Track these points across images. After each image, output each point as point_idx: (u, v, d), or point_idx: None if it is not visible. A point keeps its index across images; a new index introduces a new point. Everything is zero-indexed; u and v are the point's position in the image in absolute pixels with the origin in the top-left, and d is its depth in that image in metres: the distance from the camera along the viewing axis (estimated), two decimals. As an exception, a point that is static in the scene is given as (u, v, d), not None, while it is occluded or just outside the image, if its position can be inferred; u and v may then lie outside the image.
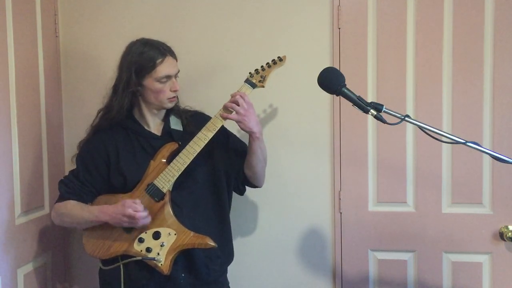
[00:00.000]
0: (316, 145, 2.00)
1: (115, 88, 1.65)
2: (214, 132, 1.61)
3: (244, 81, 1.68)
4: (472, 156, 1.87)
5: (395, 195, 1.95)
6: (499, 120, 1.87)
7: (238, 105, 1.60)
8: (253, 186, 1.81)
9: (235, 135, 1.82)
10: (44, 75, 1.97)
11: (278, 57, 1.70)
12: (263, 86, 1.68)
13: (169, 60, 1.62)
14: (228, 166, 1.74)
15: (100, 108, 1.71)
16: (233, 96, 1.63)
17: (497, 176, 1.87)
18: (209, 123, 1.63)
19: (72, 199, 1.65)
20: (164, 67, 1.60)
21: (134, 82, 1.61)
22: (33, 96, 1.90)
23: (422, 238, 1.93)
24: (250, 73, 1.69)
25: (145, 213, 1.54)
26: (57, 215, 1.68)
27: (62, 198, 1.67)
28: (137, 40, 1.67)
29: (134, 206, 1.52)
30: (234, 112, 1.62)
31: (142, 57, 1.60)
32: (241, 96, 1.62)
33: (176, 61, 1.67)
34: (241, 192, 1.83)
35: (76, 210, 1.62)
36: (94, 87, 2.07)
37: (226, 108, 1.63)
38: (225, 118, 1.61)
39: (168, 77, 1.62)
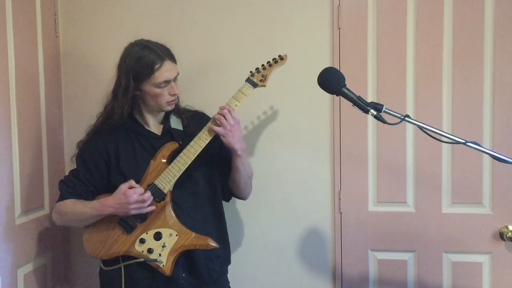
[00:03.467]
0: (316, 145, 2.00)
1: (115, 93, 1.63)
2: (215, 132, 1.61)
3: (245, 80, 1.67)
4: (472, 156, 1.87)
5: (395, 195, 1.95)
6: (499, 120, 1.87)
7: (226, 119, 1.58)
8: (238, 197, 1.80)
9: None
10: (44, 75, 1.96)
11: (279, 55, 1.69)
12: (264, 86, 1.67)
13: (167, 65, 1.59)
14: (215, 175, 1.73)
15: (99, 112, 1.70)
16: (221, 109, 1.60)
17: (497, 176, 1.87)
18: (209, 123, 1.62)
19: (73, 199, 1.65)
20: (162, 73, 1.58)
21: (132, 87, 1.60)
22: (33, 96, 1.90)
23: (422, 238, 1.93)
24: (251, 72, 1.68)
25: (148, 194, 1.54)
26: (59, 215, 1.67)
27: (62, 198, 1.67)
28: (136, 42, 1.65)
29: (137, 191, 1.53)
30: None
31: (140, 63, 1.57)
32: (229, 111, 1.59)
33: (175, 63, 1.65)
34: (226, 199, 1.82)
35: (78, 207, 1.62)
36: (94, 87, 2.07)
37: (214, 120, 1.61)
38: (211, 129, 1.59)
39: (167, 82, 1.61)
